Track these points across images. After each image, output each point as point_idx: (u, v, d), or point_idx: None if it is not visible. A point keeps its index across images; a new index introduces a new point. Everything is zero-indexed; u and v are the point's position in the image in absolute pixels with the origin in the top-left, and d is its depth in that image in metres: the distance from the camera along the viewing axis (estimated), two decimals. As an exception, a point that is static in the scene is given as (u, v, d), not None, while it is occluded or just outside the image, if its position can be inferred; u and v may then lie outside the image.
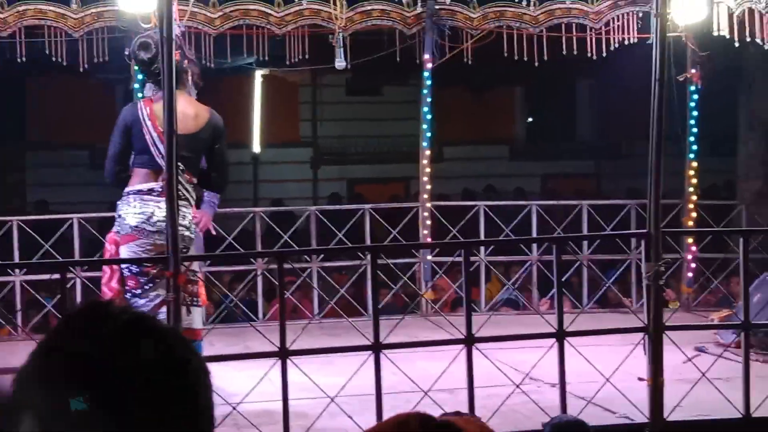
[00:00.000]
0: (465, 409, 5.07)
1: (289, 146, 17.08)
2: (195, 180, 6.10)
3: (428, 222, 9.35)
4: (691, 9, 8.19)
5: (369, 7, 8.81)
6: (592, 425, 4.54)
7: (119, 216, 5.99)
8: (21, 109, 15.89)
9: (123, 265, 5.89)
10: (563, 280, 6.00)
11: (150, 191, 5.93)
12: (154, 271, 5.73)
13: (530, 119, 18.61)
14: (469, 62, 8.90)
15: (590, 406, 5.79)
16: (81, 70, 8.50)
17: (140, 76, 8.47)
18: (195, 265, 6.01)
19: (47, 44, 8.45)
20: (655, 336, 5.63)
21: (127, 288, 5.90)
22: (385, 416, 5.02)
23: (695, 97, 9.22)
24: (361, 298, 9.29)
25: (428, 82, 9.17)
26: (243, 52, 9.35)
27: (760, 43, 8.16)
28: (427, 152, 9.40)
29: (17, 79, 13.55)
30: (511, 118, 18.46)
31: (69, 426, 1.18)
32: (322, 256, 9.30)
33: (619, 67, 10.05)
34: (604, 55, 8.76)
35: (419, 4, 8.90)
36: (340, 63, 8.43)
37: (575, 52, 8.76)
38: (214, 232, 6.59)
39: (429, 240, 9.32)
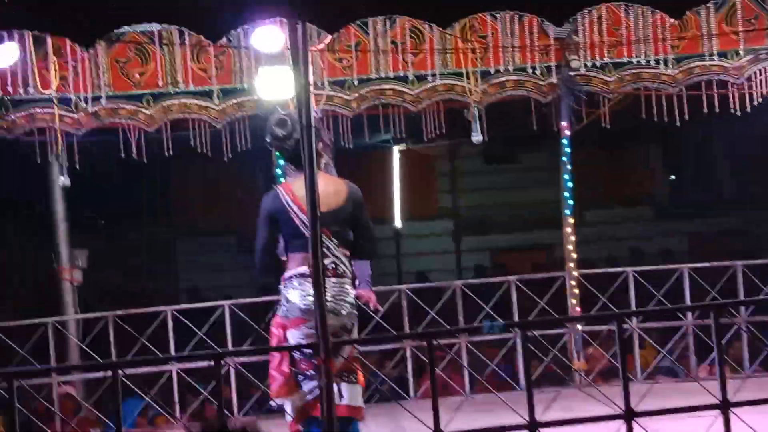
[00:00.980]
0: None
1: (430, 219, 17.13)
2: (348, 253, 6.13)
3: (575, 291, 9.21)
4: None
5: (503, 79, 8.82)
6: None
7: (286, 300, 6.03)
8: (168, 198, 16.42)
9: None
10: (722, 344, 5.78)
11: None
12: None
13: (673, 177, 18.24)
14: (608, 127, 8.81)
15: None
16: (225, 159, 8.75)
17: (281, 161, 8.69)
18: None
19: (192, 136, 8.73)
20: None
21: (298, 371, 5.92)
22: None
23: None
24: (511, 370, 9.17)
25: (567, 150, 9.10)
26: (380, 130, 9.48)
27: None
28: (570, 220, 9.29)
29: (163, 169, 14.01)
30: (651, 178, 18.12)
31: None
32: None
33: (759, 120, 9.79)
34: (748, 110, 8.55)
35: (553, 71, 8.87)
36: (476, 137, 8.45)
37: (717, 110, 8.58)
38: (381, 309, 6.56)
39: (578, 309, 9.16)
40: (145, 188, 15.62)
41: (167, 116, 8.64)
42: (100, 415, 8.61)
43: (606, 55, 8.82)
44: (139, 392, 8.56)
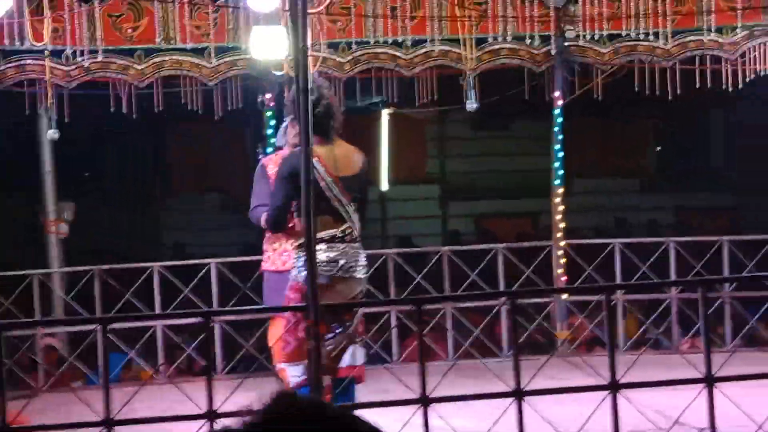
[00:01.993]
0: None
1: (417, 183, 17.12)
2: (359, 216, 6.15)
3: (562, 261, 9.24)
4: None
5: (497, 47, 8.79)
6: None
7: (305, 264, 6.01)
8: (156, 156, 16.36)
9: None
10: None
11: (333, 238, 5.95)
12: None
13: (659, 148, 18.25)
14: (600, 98, 8.80)
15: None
16: (216, 118, 8.71)
17: (272, 122, 8.64)
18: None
19: (183, 93, 8.69)
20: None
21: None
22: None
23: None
24: (495, 337, 9.21)
25: (559, 120, 9.09)
26: (372, 93, 9.44)
27: None
28: (560, 190, 9.30)
29: (153, 126, 13.93)
30: (643, 151, 18.14)
31: None
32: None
33: (755, 98, 9.80)
34: (740, 86, 8.56)
35: (552, 41, 8.83)
36: (471, 105, 8.43)
37: (710, 85, 8.58)
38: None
39: (564, 279, 9.19)
40: (133, 145, 15.57)
41: (159, 72, 8.59)
42: (83, 368, 8.62)
43: (604, 27, 8.79)
44: (123, 347, 8.56)
